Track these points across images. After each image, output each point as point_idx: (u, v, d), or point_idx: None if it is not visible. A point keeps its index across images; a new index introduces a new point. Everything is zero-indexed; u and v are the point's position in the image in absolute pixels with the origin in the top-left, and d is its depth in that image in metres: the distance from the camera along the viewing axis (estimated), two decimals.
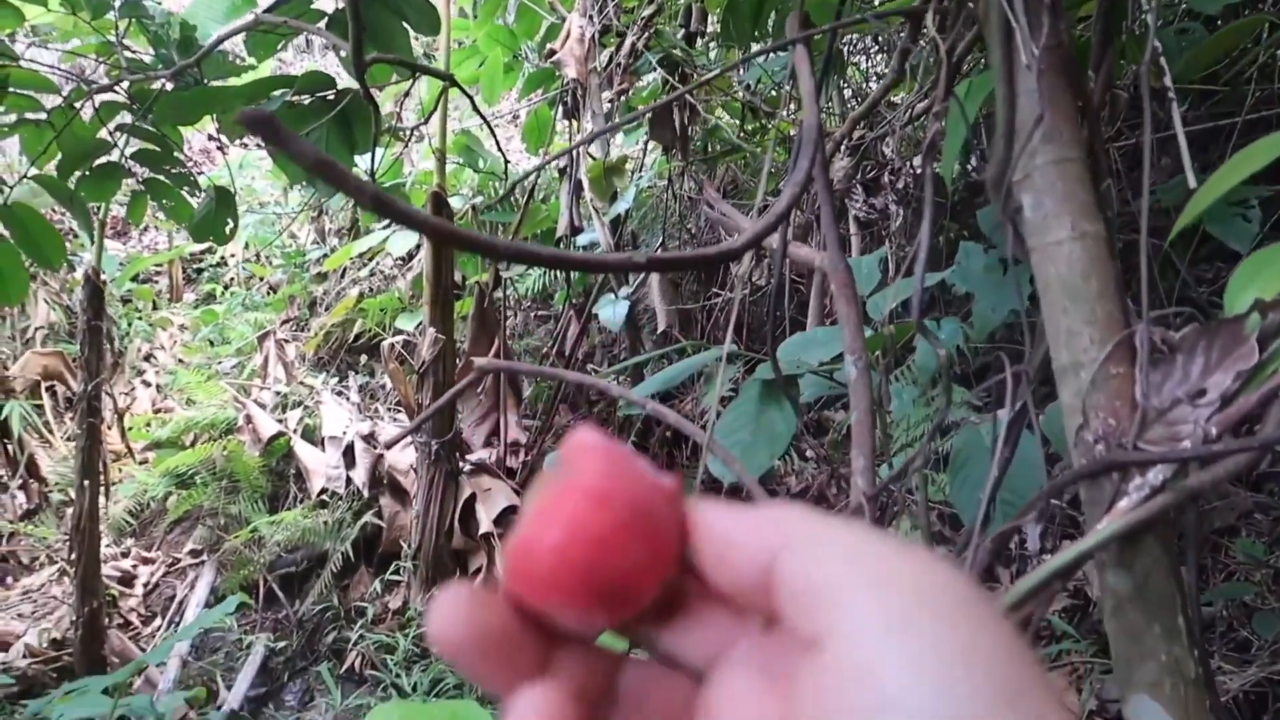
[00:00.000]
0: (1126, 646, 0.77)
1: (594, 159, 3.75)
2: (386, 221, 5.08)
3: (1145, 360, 0.78)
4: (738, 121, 4.13)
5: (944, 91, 0.83)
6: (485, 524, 3.43)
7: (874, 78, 4.09)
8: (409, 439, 3.55)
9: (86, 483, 3.17)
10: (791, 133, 3.92)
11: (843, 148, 3.05)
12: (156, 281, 6.98)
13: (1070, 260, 0.80)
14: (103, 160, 2.50)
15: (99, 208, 3.27)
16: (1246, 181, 0.89)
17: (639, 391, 1.83)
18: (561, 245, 3.96)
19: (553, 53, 3.79)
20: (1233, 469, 0.72)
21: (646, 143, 4.21)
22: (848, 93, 3.85)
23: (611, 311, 3.59)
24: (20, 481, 4.48)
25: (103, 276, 3.29)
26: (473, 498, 3.53)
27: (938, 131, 0.86)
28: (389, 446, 3.25)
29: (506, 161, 3.21)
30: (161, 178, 2.64)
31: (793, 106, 4.03)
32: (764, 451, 1.55)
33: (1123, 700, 0.78)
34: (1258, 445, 0.69)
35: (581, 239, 3.83)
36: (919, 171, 3.76)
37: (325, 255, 5.85)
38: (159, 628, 3.78)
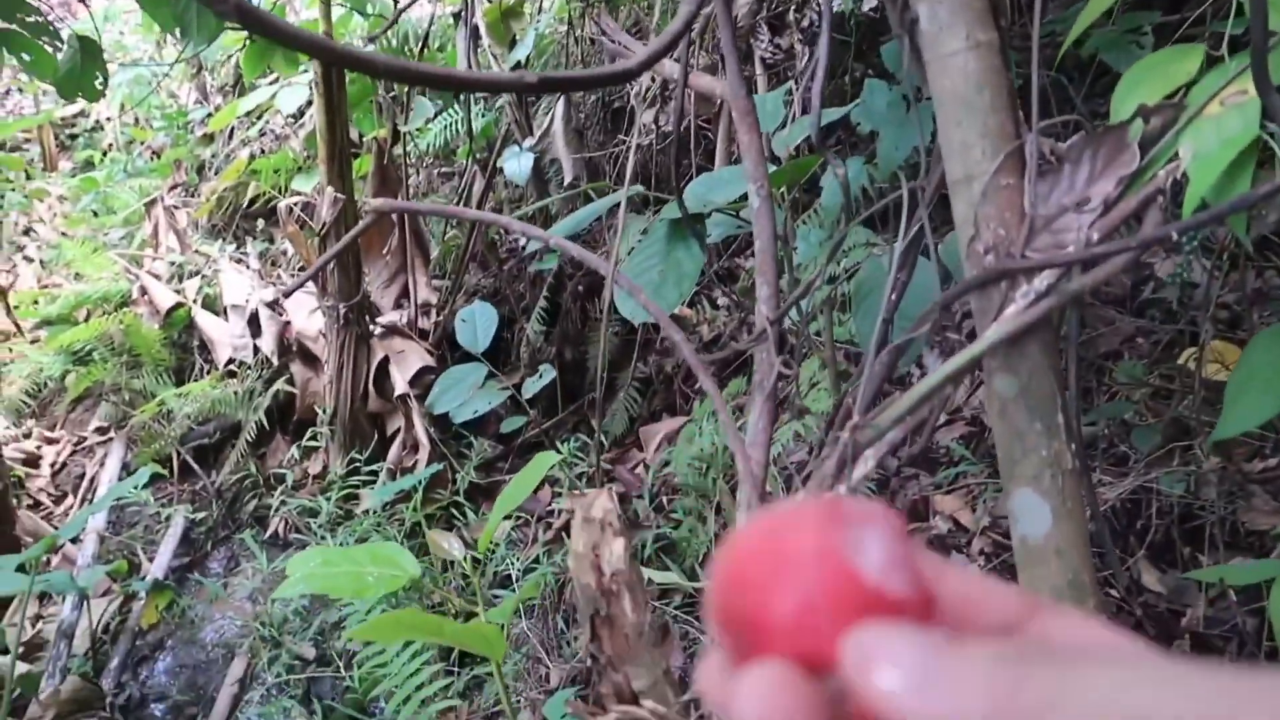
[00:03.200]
0: (1011, 444, 0.82)
1: (490, 2, 3.56)
2: (274, 76, 4.77)
3: (1034, 171, 0.80)
4: None
5: None
6: (400, 385, 3.41)
7: None
8: (317, 305, 3.46)
9: None
10: None
11: None
12: (26, 149, 6.49)
13: (965, 71, 0.80)
14: None
15: None
16: (1141, 6, 0.89)
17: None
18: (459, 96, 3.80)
19: None
20: (1113, 270, 0.76)
21: None
22: None
23: (516, 164, 3.49)
24: None
25: None
26: (386, 360, 3.49)
27: None
28: (287, 295, 3.17)
29: (396, 2, 3.02)
30: (16, 27, 2.42)
31: None
32: (673, 289, 1.56)
33: (1005, 495, 0.84)
34: (1134, 246, 0.72)
35: None
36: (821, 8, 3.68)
37: (209, 115, 5.50)
38: (71, 506, 3.71)
